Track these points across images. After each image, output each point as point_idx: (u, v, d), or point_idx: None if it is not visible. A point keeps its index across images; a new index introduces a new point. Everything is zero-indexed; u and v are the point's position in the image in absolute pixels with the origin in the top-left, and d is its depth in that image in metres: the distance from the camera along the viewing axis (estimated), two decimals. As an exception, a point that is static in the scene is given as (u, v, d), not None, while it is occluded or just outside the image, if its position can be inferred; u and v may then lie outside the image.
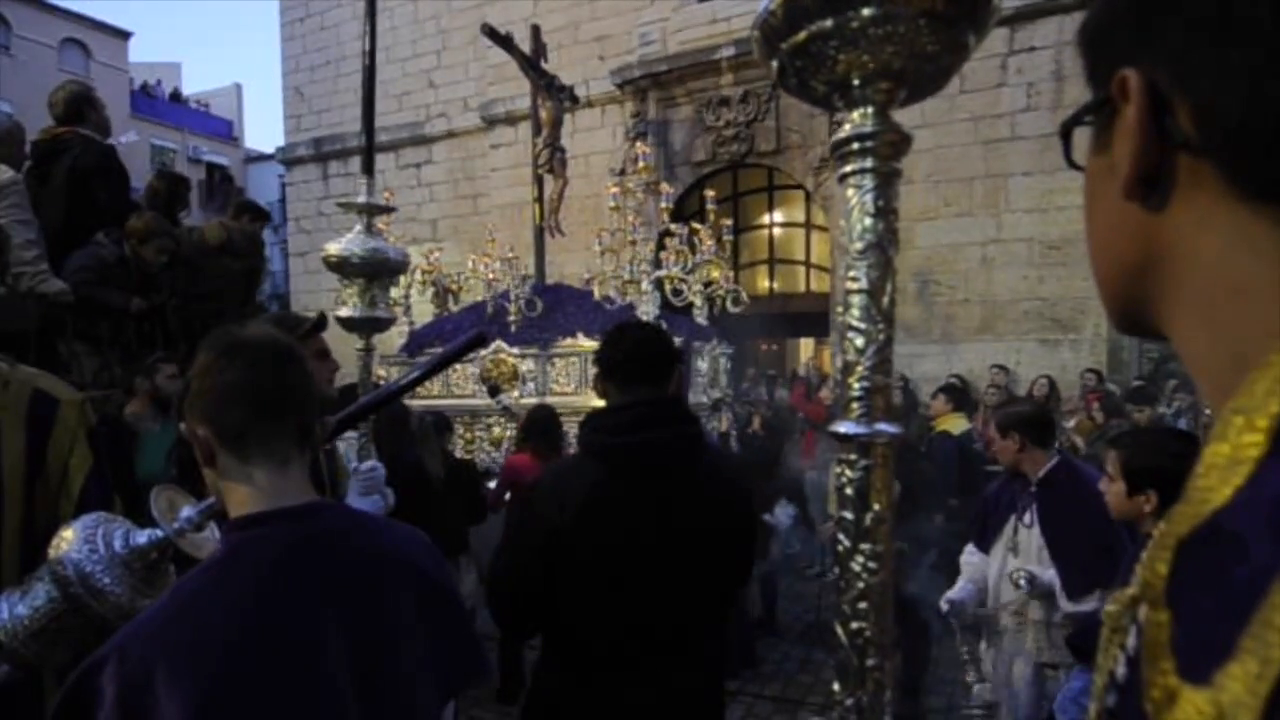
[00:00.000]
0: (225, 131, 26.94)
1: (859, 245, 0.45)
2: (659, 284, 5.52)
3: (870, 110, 0.44)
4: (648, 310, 5.34)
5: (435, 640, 0.99)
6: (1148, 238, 0.38)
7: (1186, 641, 0.31)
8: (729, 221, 6.38)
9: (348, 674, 0.88)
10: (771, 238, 10.70)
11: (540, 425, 3.95)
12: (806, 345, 12.76)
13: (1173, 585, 0.32)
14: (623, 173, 8.54)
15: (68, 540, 1.11)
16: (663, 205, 5.93)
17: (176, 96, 26.37)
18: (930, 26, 0.41)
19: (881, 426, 0.45)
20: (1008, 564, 2.61)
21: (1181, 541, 0.33)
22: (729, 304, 5.83)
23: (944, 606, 2.68)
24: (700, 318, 6.01)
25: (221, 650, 0.81)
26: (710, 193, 6.48)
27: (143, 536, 1.14)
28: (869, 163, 0.44)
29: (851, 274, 0.45)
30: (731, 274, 6.32)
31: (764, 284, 10.75)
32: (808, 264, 10.38)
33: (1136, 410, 5.61)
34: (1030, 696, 2.54)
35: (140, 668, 0.79)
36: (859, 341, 0.45)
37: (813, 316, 9.95)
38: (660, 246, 5.95)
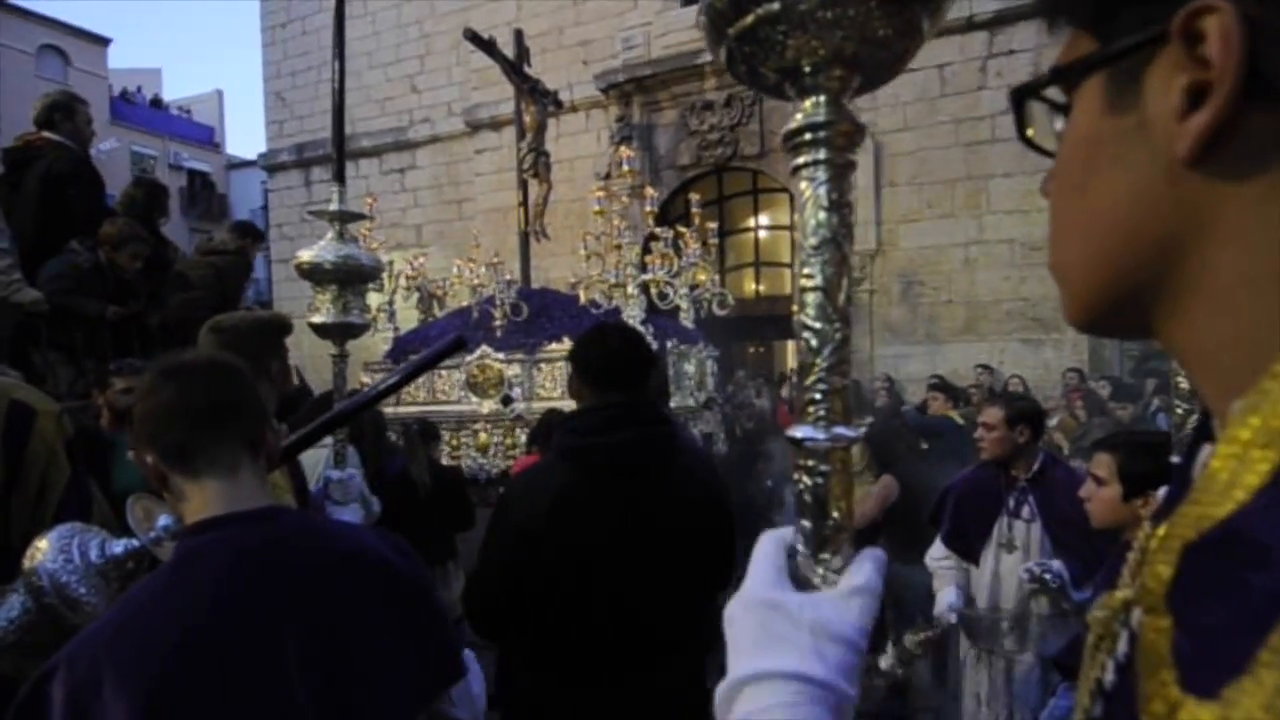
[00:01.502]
0: (207, 138, 26.70)
1: (813, 241, 0.43)
2: (645, 287, 5.51)
3: (823, 99, 0.42)
4: (634, 314, 5.33)
5: (404, 640, 0.99)
6: (1183, 213, 0.33)
7: (1192, 652, 0.28)
8: (714, 225, 6.39)
9: (306, 676, 0.87)
10: (757, 240, 10.73)
11: (551, 428, 3.93)
12: (793, 348, 12.79)
13: (1176, 591, 0.30)
14: (607, 177, 8.53)
15: (42, 551, 1.10)
16: (648, 209, 5.93)
17: (157, 103, 26.09)
18: (881, 9, 0.39)
19: (840, 430, 0.43)
20: (1002, 562, 2.60)
21: (1188, 545, 0.30)
22: (715, 307, 5.83)
23: (951, 618, 2.60)
24: (686, 321, 6.01)
25: (168, 655, 0.81)
26: (695, 196, 6.48)
27: (118, 546, 1.13)
28: (822, 154, 0.42)
29: (806, 270, 0.43)
30: (717, 277, 6.33)
31: (750, 286, 10.78)
32: (793, 266, 10.37)
33: (1119, 408, 5.66)
34: (1035, 688, 2.54)
35: (88, 675, 0.80)
36: (814, 341, 0.43)
37: (799, 319, 9.98)
38: (646, 250, 5.94)
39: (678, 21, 9.86)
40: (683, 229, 5.82)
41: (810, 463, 0.44)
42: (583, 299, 5.49)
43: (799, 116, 0.43)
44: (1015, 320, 8.32)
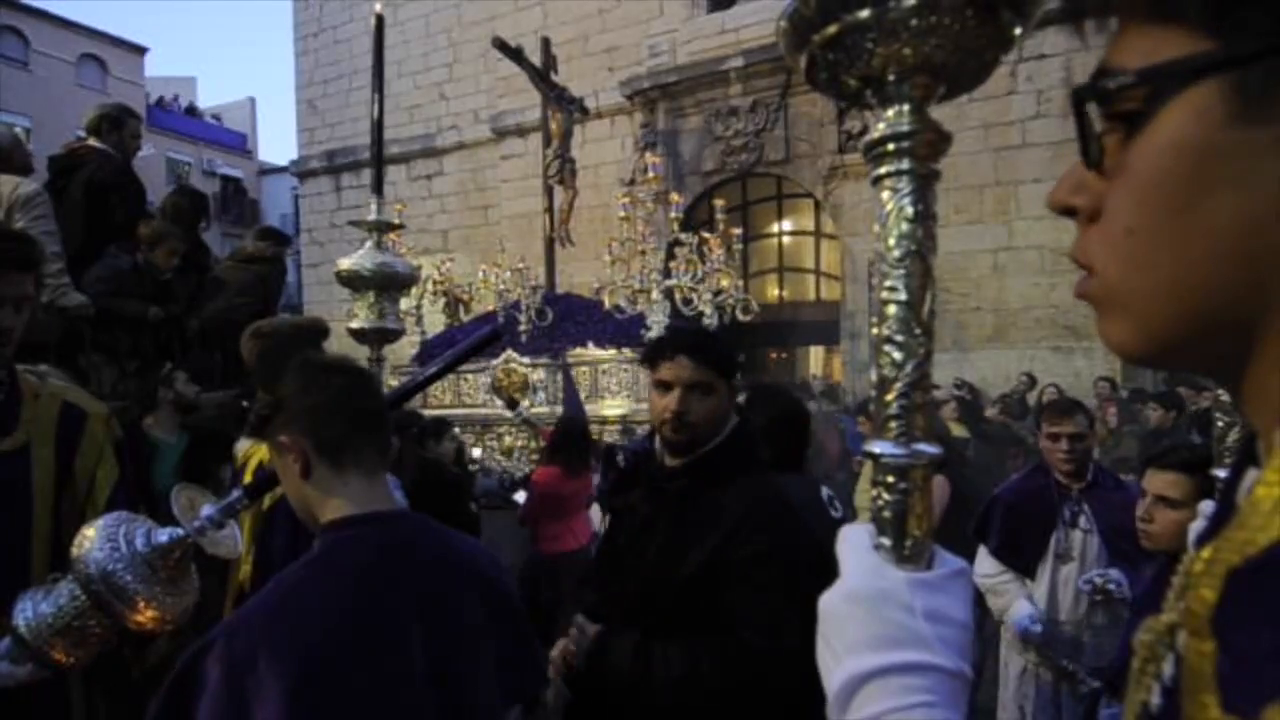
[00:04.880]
0: (240, 144, 27.29)
1: (896, 253, 0.42)
2: (669, 293, 5.50)
3: (906, 108, 0.41)
4: (657, 319, 5.33)
5: (501, 645, 1.05)
6: None
7: (1234, 674, 0.28)
8: (738, 230, 6.38)
9: (426, 667, 0.94)
10: (781, 246, 10.68)
11: (571, 439, 3.85)
12: (817, 354, 12.70)
13: (1220, 615, 0.30)
14: (632, 183, 8.55)
15: (90, 539, 1.13)
16: (672, 215, 5.93)
17: (192, 110, 26.75)
18: (976, 18, 0.38)
19: (921, 447, 0.42)
20: (1059, 573, 2.54)
21: (1233, 570, 0.30)
22: (738, 313, 5.80)
23: (1036, 629, 2.47)
24: (710, 326, 5.99)
25: (319, 636, 0.88)
26: (719, 202, 6.47)
27: (164, 535, 1.16)
28: (906, 164, 0.42)
29: (888, 284, 0.42)
30: (741, 283, 6.30)
31: (773, 292, 10.72)
32: (817, 272, 10.33)
33: (1153, 409, 5.48)
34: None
35: (245, 651, 0.85)
36: (897, 355, 0.42)
37: (822, 325, 9.91)
38: (670, 256, 5.94)
39: (703, 28, 9.87)
40: (707, 234, 5.81)
41: (889, 479, 0.43)
42: (607, 304, 5.51)
43: (881, 126, 0.42)
44: (1045, 328, 8.17)
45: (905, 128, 0.41)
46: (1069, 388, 7.31)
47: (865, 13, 0.38)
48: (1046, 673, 2.55)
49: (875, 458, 0.43)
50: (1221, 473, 1.21)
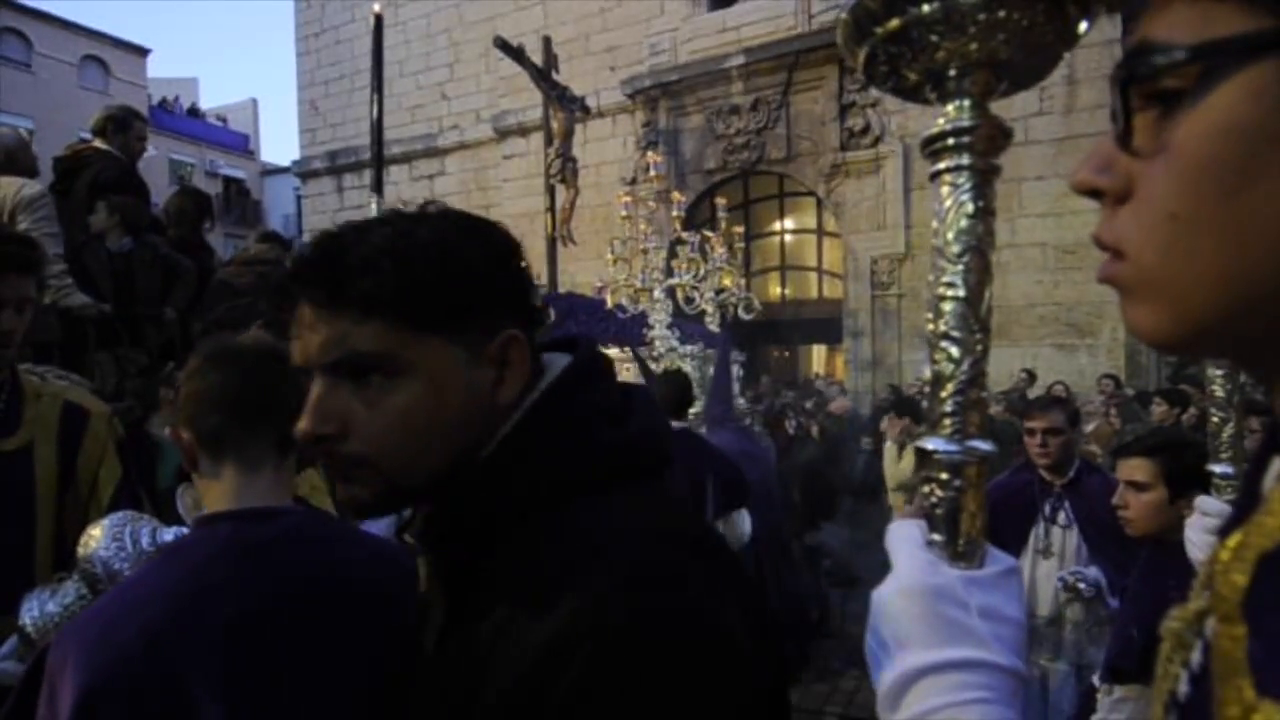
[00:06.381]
0: (242, 145, 27.29)
1: (956, 248, 0.41)
2: (671, 292, 5.50)
3: (967, 103, 0.41)
4: (660, 318, 5.33)
5: (384, 661, 0.89)
6: None
7: (1266, 657, 0.29)
8: (740, 229, 6.38)
9: (246, 690, 0.82)
10: (783, 244, 10.67)
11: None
12: (819, 352, 12.70)
13: (1251, 599, 0.30)
14: (634, 181, 8.55)
15: (95, 538, 1.12)
16: (674, 213, 5.93)
17: (194, 111, 26.75)
18: (1045, 14, 0.37)
19: (975, 444, 0.42)
20: (1038, 568, 2.55)
21: (1264, 554, 0.31)
22: (741, 311, 5.80)
23: None
24: (712, 325, 5.99)
25: (117, 647, 0.80)
26: (721, 200, 6.46)
27: (169, 534, 1.15)
28: (965, 159, 0.41)
29: (946, 279, 0.42)
30: (743, 281, 6.30)
31: (776, 291, 10.72)
32: (819, 270, 10.33)
33: (1158, 404, 5.47)
34: (1071, 695, 2.49)
35: (60, 655, 0.81)
36: (955, 351, 0.41)
37: (824, 323, 9.91)
38: (672, 255, 5.93)
39: (704, 27, 9.87)
40: (709, 233, 5.81)
41: (943, 476, 0.43)
42: (609, 303, 5.51)
43: (940, 121, 0.42)
44: (1049, 325, 8.17)
45: (966, 123, 0.41)
46: (1072, 385, 7.31)
47: (932, 6, 0.38)
48: (1032, 669, 2.58)
49: (929, 454, 0.43)
50: (1218, 468, 1.21)
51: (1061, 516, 2.53)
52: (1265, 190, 0.31)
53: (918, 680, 0.41)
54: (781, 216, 10.47)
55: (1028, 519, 2.58)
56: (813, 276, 10.48)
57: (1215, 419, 1.26)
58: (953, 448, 0.42)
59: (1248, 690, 0.28)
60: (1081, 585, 2.35)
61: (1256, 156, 0.31)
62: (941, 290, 0.42)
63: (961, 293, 0.41)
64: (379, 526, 1.94)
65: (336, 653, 0.88)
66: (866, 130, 8.82)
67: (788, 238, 10.62)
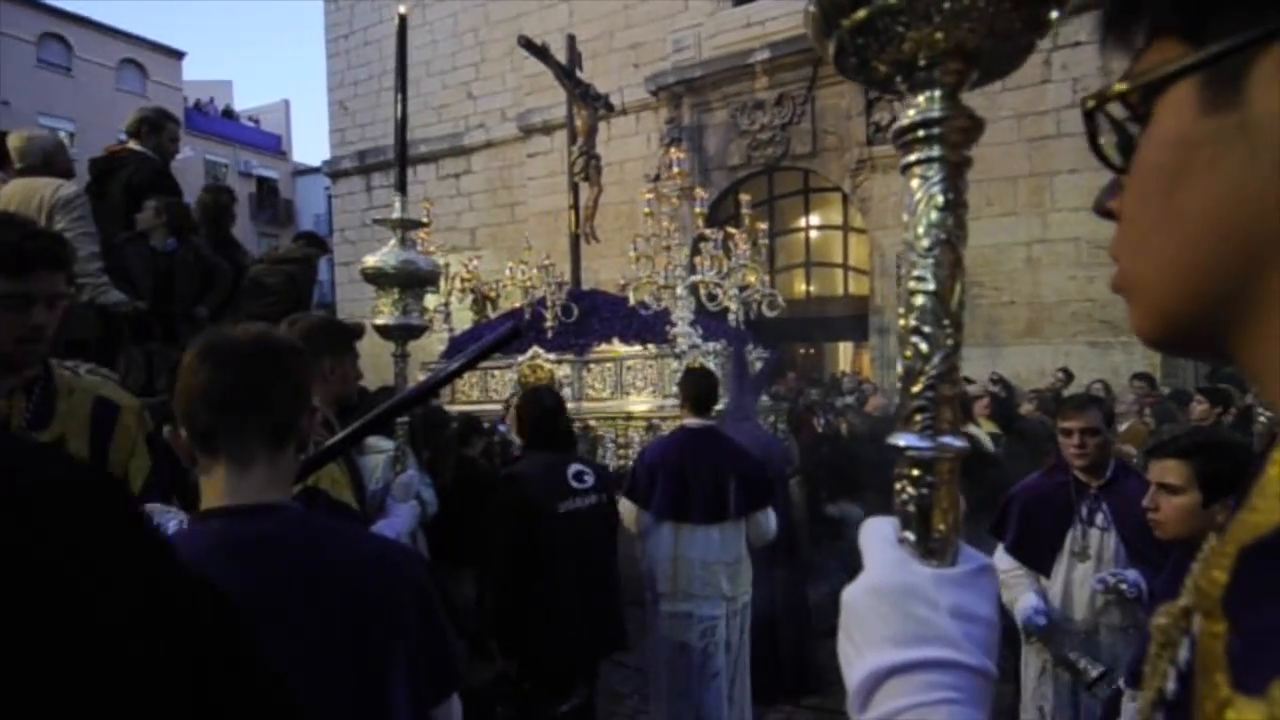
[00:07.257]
0: (274, 146, 27.87)
1: (925, 242, 0.41)
2: (694, 289, 5.48)
3: (938, 94, 0.40)
4: (683, 315, 5.31)
5: (365, 666, 0.91)
6: None
7: (1244, 651, 0.29)
8: (764, 225, 6.31)
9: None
10: (808, 240, 10.57)
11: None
12: (845, 349, 12.56)
13: (1231, 594, 0.31)
14: (657, 178, 8.53)
15: None
16: (698, 210, 5.90)
17: (228, 113, 27.39)
18: (1012, 1, 0.37)
19: (947, 440, 0.41)
20: (1074, 571, 2.50)
21: (1244, 549, 0.31)
22: (765, 308, 5.76)
23: (1040, 620, 2.45)
24: (736, 322, 5.96)
25: None
26: (745, 196, 6.42)
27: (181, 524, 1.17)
28: (936, 151, 0.41)
29: (916, 273, 0.41)
30: (767, 278, 6.25)
31: (800, 287, 10.62)
32: (845, 267, 10.21)
33: (1198, 402, 5.30)
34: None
35: None
36: (924, 347, 0.41)
37: (851, 320, 9.79)
38: (695, 251, 5.91)
39: (728, 22, 9.80)
40: (732, 230, 5.77)
41: (914, 472, 0.42)
42: (632, 300, 5.51)
43: (911, 112, 0.41)
44: (1082, 322, 7.97)
45: (936, 114, 0.40)
46: (1108, 384, 7.13)
47: (896, -4, 0.37)
48: (1064, 672, 2.51)
49: (900, 450, 0.42)
50: None
51: (1099, 518, 2.46)
52: (1192, 187, 0.34)
53: (886, 680, 0.40)
54: (807, 212, 10.36)
55: (1064, 521, 2.52)
56: (838, 273, 10.35)
57: (1263, 419, 1.22)
58: (924, 444, 0.42)
59: (1224, 686, 0.29)
60: (1124, 586, 2.29)
61: (1184, 160, 0.35)
62: (912, 284, 0.41)
63: (931, 286, 0.41)
64: (394, 528, 1.97)
65: (315, 652, 0.88)
66: (893, 124, 8.67)
67: (813, 234, 10.50)
